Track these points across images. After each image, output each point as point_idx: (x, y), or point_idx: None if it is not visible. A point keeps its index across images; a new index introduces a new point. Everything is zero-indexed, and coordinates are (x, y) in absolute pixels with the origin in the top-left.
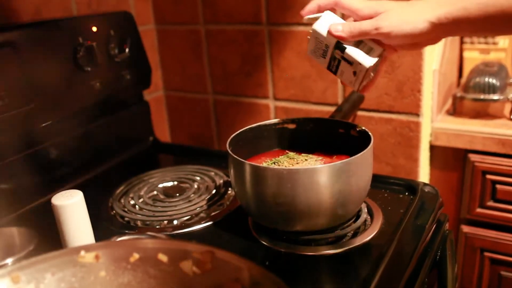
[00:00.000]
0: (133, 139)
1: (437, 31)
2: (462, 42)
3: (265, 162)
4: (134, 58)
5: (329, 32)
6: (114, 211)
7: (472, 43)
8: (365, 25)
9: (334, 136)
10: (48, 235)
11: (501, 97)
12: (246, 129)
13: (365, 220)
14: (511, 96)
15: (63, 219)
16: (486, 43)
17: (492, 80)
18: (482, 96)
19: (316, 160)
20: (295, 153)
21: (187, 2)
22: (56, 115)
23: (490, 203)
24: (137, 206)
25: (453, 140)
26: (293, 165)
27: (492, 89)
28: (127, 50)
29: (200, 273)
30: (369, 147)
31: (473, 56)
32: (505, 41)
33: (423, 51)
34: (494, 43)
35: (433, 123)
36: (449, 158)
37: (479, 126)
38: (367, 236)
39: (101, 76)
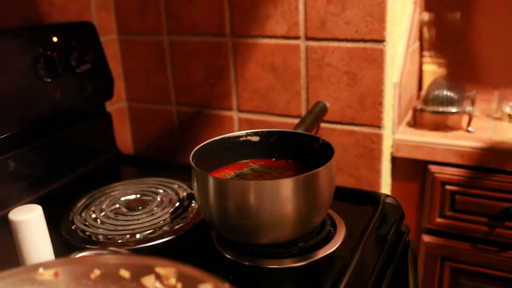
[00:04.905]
0: (94, 151)
1: None
2: (421, 56)
3: (229, 175)
4: (96, 69)
5: None
6: (74, 225)
7: (431, 56)
8: None
9: (298, 148)
10: (4, 251)
11: (459, 110)
12: (210, 141)
13: (329, 232)
14: (468, 109)
15: (21, 235)
16: None
17: (450, 93)
18: (440, 109)
19: (280, 173)
20: (259, 165)
21: (151, 13)
22: (14, 126)
23: (450, 213)
24: (98, 220)
25: (413, 152)
26: (257, 178)
27: (450, 102)
28: (88, 61)
29: None
30: (331, 160)
31: (432, 69)
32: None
33: (384, 64)
34: None
35: (394, 135)
36: (410, 169)
37: (438, 138)
38: (330, 248)
39: (62, 87)
